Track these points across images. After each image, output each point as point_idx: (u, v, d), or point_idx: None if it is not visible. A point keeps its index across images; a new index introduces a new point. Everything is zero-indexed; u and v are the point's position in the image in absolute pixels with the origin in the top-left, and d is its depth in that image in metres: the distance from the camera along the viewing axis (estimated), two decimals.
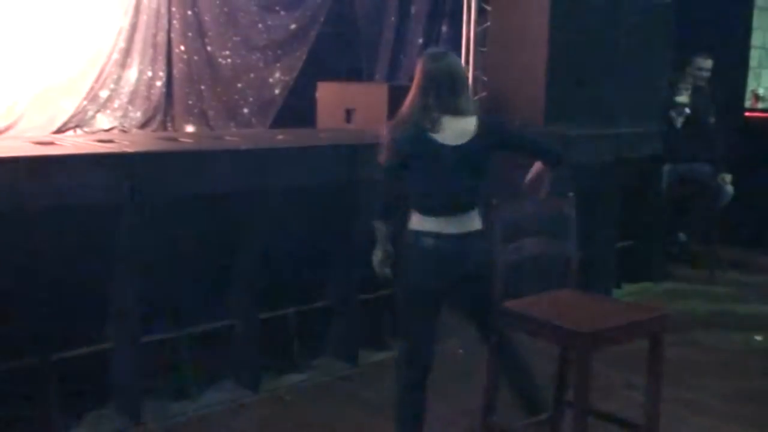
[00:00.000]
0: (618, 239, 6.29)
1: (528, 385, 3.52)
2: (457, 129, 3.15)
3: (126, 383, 3.84)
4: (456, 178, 3.19)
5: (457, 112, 3.17)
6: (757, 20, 8.58)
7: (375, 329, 4.84)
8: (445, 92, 3.17)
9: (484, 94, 6.69)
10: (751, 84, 9.13)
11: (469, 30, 6.84)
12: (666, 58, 6.59)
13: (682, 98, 6.51)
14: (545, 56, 5.84)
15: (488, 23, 6.60)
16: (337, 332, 4.72)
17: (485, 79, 6.74)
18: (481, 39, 6.85)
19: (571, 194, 3.57)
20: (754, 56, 9.44)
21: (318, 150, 4.48)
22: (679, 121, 6.56)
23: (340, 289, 4.68)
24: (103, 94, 5.95)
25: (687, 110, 6.56)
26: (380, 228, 3.39)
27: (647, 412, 3.32)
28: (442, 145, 3.17)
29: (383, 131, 3.27)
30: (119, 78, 5.95)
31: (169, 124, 6.16)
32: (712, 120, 6.71)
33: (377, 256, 3.44)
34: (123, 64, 5.97)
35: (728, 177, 6.58)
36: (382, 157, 3.24)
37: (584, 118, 5.97)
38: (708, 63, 6.74)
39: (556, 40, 5.86)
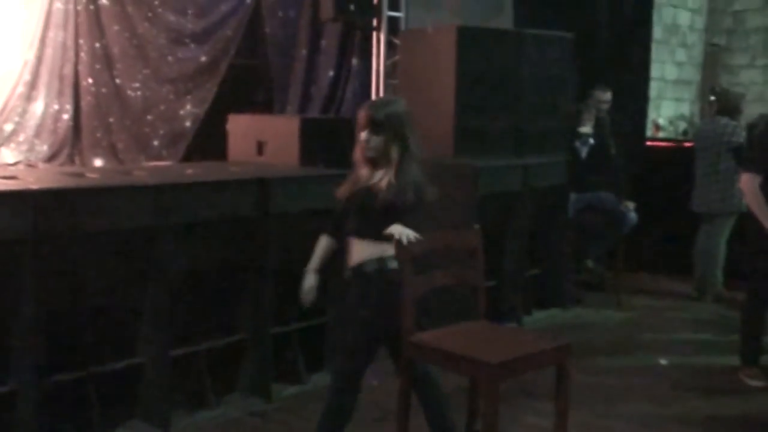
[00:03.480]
0: (527, 267, 6.37)
1: (443, 416, 3.54)
2: None
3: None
4: None
5: None
6: (655, 53, 8.98)
7: (288, 363, 4.81)
8: None
9: None
10: (652, 114, 9.51)
11: (378, 63, 6.91)
12: (569, 90, 6.69)
13: (586, 129, 6.78)
14: (453, 89, 5.87)
15: (397, 56, 6.62)
16: (250, 367, 4.66)
17: None
18: (390, 72, 6.92)
19: (477, 226, 3.63)
20: (654, 87, 9.90)
21: (228, 184, 4.44)
22: (584, 151, 6.82)
23: (252, 324, 4.63)
24: (8, 127, 5.81)
25: (591, 140, 6.82)
26: (323, 246, 3.44)
27: None
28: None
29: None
30: (24, 111, 5.81)
31: (76, 158, 6.02)
32: (613, 150, 6.93)
33: (310, 280, 3.46)
34: (28, 97, 5.83)
35: (631, 204, 6.72)
36: (341, 191, 3.40)
37: (492, 150, 6.07)
38: (607, 95, 7.00)
39: (464, 72, 5.90)
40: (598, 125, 6.78)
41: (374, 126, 3.26)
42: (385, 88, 6.84)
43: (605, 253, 7.12)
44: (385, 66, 6.93)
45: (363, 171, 3.33)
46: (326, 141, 5.68)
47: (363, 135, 3.27)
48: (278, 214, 4.52)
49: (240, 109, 6.26)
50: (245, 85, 6.77)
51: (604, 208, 6.81)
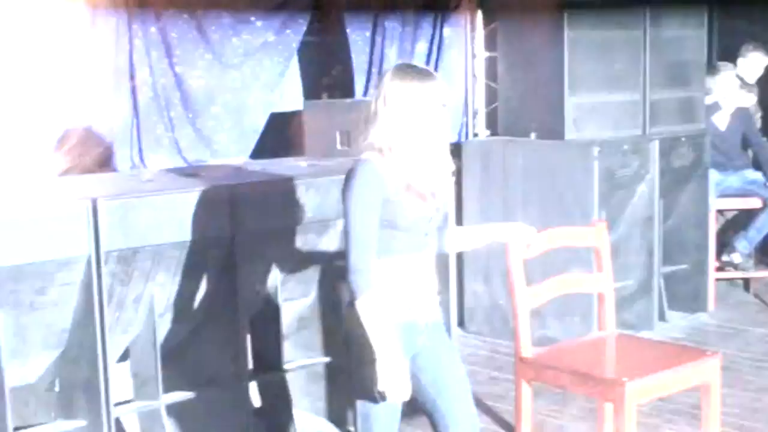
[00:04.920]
0: (661, 264, 6.29)
1: None
2: None
3: None
4: None
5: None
6: None
7: None
8: None
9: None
10: None
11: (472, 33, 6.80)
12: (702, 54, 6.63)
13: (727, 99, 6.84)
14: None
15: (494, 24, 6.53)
16: None
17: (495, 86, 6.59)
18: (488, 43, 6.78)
19: (601, 218, 3.59)
20: None
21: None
22: (724, 125, 6.86)
23: None
24: (56, 131, 5.87)
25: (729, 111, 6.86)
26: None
27: None
28: None
29: None
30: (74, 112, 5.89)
31: (135, 158, 6.06)
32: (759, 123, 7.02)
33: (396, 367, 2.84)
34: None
35: None
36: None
37: (616, 123, 6.04)
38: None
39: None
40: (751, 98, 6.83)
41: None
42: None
43: (758, 245, 6.98)
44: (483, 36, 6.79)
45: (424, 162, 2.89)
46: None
47: (439, 112, 2.87)
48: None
49: (316, 95, 6.30)
50: (319, 66, 6.72)
51: (755, 191, 6.80)
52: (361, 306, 2.74)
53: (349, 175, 2.80)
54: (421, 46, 6.60)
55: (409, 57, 6.45)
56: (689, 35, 6.40)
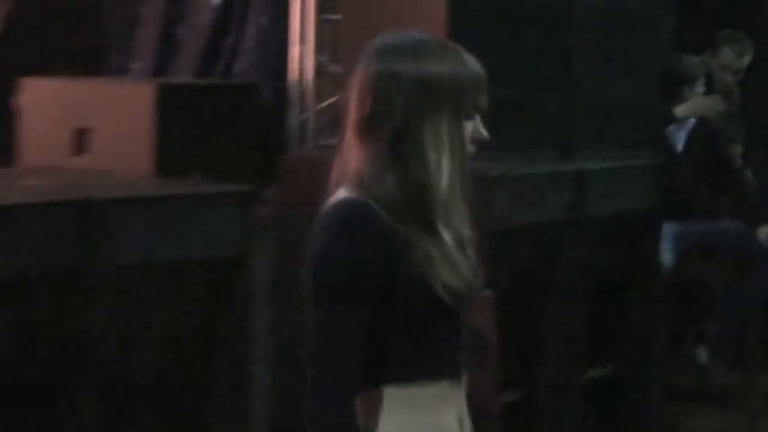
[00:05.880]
0: (584, 366, 5.64)
1: None
2: None
3: None
4: None
5: None
6: None
7: None
8: None
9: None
10: None
11: None
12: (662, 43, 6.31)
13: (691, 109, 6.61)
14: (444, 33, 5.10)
15: None
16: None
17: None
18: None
19: (487, 293, 3.05)
20: None
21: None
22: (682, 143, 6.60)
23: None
24: None
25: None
26: None
27: None
28: None
29: None
30: None
31: None
32: (740, 147, 6.84)
33: None
34: None
35: None
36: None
37: (520, 145, 5.49)
38: (743, 57, 6.84)
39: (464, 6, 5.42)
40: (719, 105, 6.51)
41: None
42: (318, 26, 5.95)
43: (732, 335, 6.39)
44: None
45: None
46: (207, 129, 5.45)
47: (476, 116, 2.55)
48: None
49: (44, 69, 5.74)
50: (54, 28, 6.19)
51: (730, 249, 6.31)
52: None
53: (324, 228, 2.34)
54: None
55: None
56: None
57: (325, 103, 5.90)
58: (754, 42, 6.83)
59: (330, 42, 5.96)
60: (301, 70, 5.98)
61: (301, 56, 5.96)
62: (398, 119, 2.35)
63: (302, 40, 5.95)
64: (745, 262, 6.25)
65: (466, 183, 2.46)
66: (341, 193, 2.36)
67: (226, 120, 5.41)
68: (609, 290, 5.90)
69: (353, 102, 2.41)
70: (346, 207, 2.33)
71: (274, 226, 5.21)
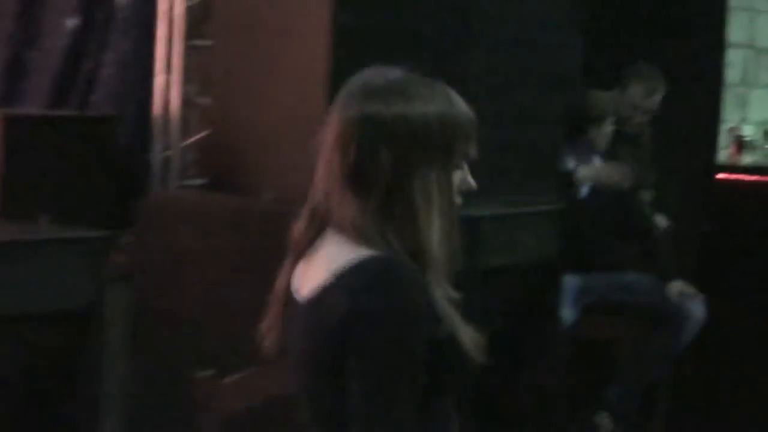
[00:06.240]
0: None
1: None
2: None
3: None
4: None
5: None
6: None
7: None
8: None
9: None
10: (730, 118, 9.04)
11: (170, 3, 5.88)
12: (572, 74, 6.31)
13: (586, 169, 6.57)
14: (325, 61, 5.17)
15: None
16: None
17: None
18: (195, 21, 5.82)
19: None
20: (736, 64, 9.20)
21: None
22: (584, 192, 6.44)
23: None
24: None
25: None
26: None
27: None
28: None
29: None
30: None
31: None
32: (649, 195, 6.83)
33: None
34: None
35: (691, 291, 6.24)
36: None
37: None
38: (654, 95, 6.75)
39: (347, 27, 5.29)
40: (626, 149, 6.46)
41: None
42: (185, 53, 5.80)
43: (636, 399, 6.24)
44: (186, 10, 5.83)
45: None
46: (58, 166, 5.34)
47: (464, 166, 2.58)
48: None
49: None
50: None
51: (637, 305, 6.20)
52: None
53: (372, 291, 2.27)
54: None
55: None
56: None
57: (192, 139, 5.72)
58: (666, 75, 6.74)
59: (199, 71, 5.77)
60: (166, 102, 5.80)
61: (166, 86, 5.76)
62: (386, 176, 2.35)
63: (168, 69, 5.78)
64: (654, 319, 6.17)
65: (454, 240, 2.44)
66: (359, 250, 2.35)
67: (81, 156, 5.28)
68: (502, 350, 5.68)
69: (334, 144, 2.39)
70: (382, 260, 2.34)
71: (130, 276, 4.97)
